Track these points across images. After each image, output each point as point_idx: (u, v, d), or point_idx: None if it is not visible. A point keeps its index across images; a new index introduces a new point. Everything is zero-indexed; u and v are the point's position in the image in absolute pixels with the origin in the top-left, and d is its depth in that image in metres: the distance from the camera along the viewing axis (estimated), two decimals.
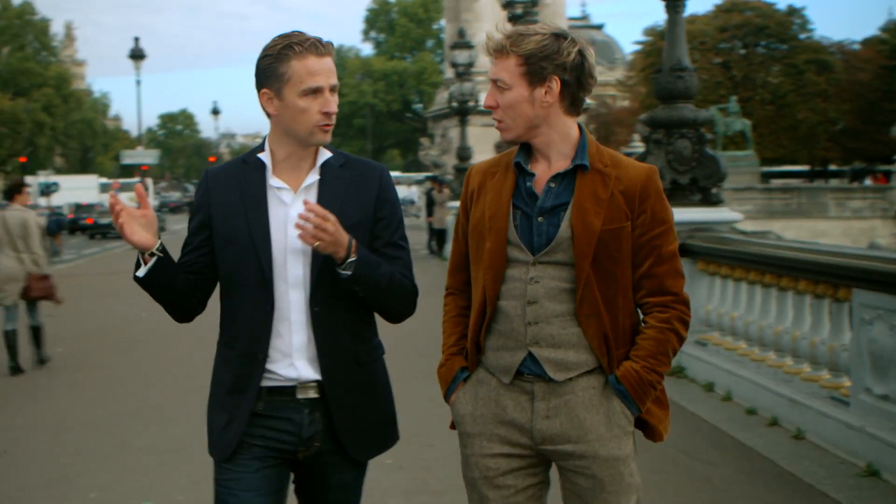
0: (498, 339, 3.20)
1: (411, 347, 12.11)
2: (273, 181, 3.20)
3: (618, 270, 3.11)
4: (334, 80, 3.16)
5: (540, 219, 3.13)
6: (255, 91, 3.21)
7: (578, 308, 3.09)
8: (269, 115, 3.21)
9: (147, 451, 7.67)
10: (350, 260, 3.09)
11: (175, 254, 3.28)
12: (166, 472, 7.05)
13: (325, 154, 3.26)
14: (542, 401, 3.14)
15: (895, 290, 6.47)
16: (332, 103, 3.16)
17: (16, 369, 11.31)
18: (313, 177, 3.23)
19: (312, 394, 3.22)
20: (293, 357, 3.20)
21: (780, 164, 72.45)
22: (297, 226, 3.02)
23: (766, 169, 63.05)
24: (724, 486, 6.44)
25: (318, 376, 3.21)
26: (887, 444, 6.43)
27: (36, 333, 11.76)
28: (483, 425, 3.22)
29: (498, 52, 3.13)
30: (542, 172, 3.19)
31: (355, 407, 3.28)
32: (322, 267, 3.14)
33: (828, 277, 7.38)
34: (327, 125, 3.17)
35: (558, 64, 3.07)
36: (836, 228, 46.60)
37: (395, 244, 3.30)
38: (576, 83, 3.12)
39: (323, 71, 3.12)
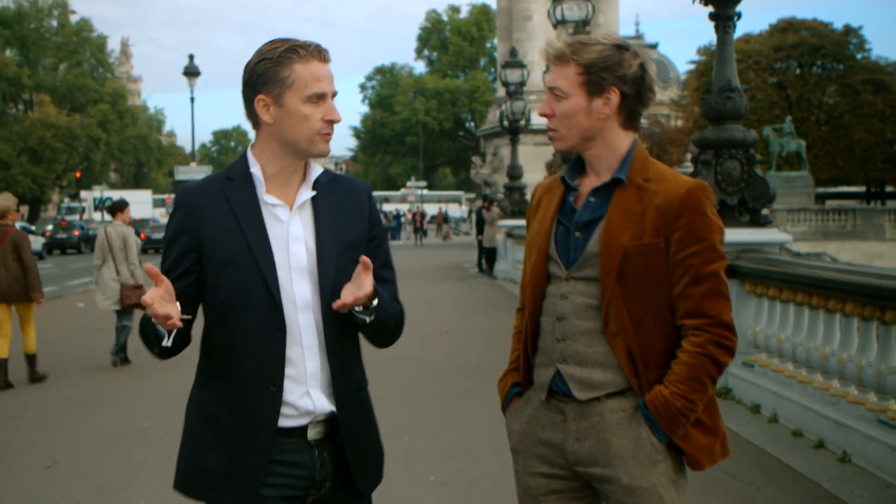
0: (539, 357, 3.19)
1: (461, 366, 12.22)
2: (267, 198, 2.98)
3: (647, 289, 3.01)
4: (335, 88, 3.00)
5: (577, 234, 3.10)
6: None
7: (604, 326, 3.02)
8: (258, 124, 2.99)
9: None
10: (373, 305, 2.96)
11: None
12: None
13: (317, 169, 3.07)
14: (574, 422, 3.10)
15: None
16: (337, 111, 2.99)
17: (124, 359, 12.84)
18: (308, 192, 3.03)
19: (321, 434, 3.03)
20: (308, 385, 2.98)
21: (835, 185, 71.89)
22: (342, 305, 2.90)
23: (821, 190, 62.56)
24: None
25: (332, 407, 3.02)
26: None
27: (123, 334, 12.93)
28: (526, 443, 3.21)
29: (558, 59, 3.08)
30: (588, 187, 3.15)
31: (361, 436, 3.11)
32: (332, 287, 2.97)
33: (875, 300, 7.31)
34: (329, 134, 2.99)
35: (619, 76, 3.03)
36: (892, 250, 46.12)
37: (388, 265, 3.18)
38: (635, 96, 3.07)
39: (327, 77, 2.95)
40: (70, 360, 13.39)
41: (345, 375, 3.04)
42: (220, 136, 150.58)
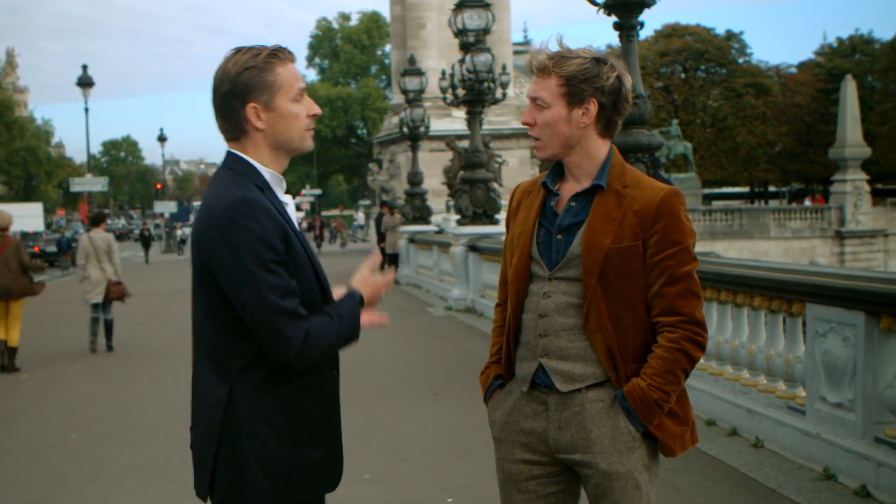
0: (521, 351, 3.38)
1: (378, 369, 12.39)
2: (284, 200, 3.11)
3: (626, 288, 3.21)
4: None
5: (559, 236, 3.28)
6: (206, 115, 3.13)
7: (585, 323, 3.22)
8: (244, 133, 3.03)
9: (127, 471, 7.82)
10: None
11: None
12: (149, 491, 7.21)
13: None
14: (556, 412, 3.29)
15: (847, 304, 6.84)
16: (316, 104, 3.13)
17: (93, 350, 15.21)
18: (287, 196, 3.15)
19: None
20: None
21: (721, 185, 73.73)
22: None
23: (707, 191, 64.05)
24: (690, 492, 6.75)
25: None
26: (842, 449, 6.80)
27: (109, 326, 15.35)
28: (508, 432, 3.41)
29: (540, 71, 3.25)
30: (568, 191, 3.34)
31: None
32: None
33: (782, 293, 7.75)
34: (312, 129, 3.12)
35: (597, 87, 3.20)
36: (776, 248, 47.44)
37: None
38: (612, 107, 3.24)
39: (300, 75, 3.11)
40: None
41: None
42: (110, 147, 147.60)
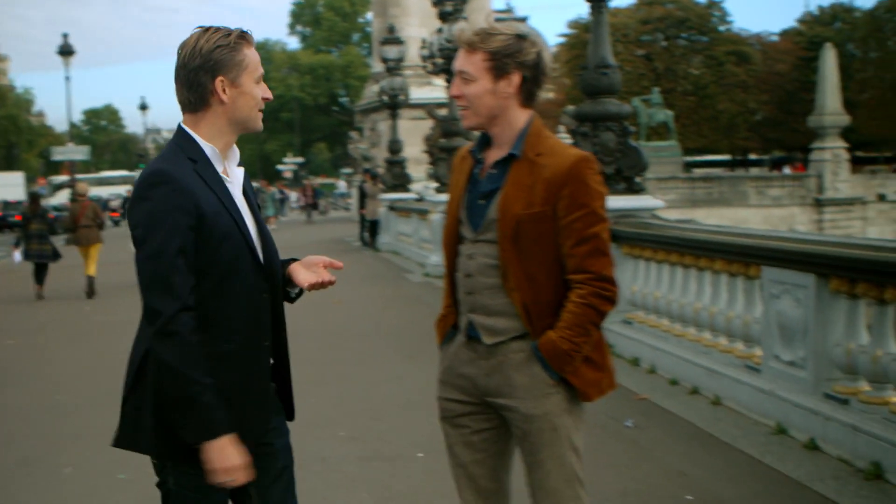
0: (459, 306, 3.72)
1: (355, 334, 12.71)
2: (223, 176, 3.26)
3: (538, 250, 3.48)
4: None
5: (480, 201, 3.57)
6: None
7: (503, 282, 3.52)
8: (206, 105, 3.22)
9: (110, 432, 8.03)
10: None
11: None
12: (130, 452, 7.44)
13: (236, 148, 3.38)
14: (484, 360, 3.61)
15: (800, 266, 7.16)
16: (269, 91, 3.35)
17: None
18: (240, 169, 3.36)
19: None
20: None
21: (702, 153, 73.87)
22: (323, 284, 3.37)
23: (688, 159, 64.17)
24: (649, 445, 7.08)
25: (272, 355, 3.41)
26: (793, 405, 7.14)
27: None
28: (448, 375, 3.76)
29: (468, 46, 3.52)
30: (491, 159, 3.62)
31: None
32: (274, 253, 3.38)
33: (740, 257, 8.07)
34: (262, 111, 3.33)
35: (519, 62, 3.47)
36: (756, 216, 47.57)
37: None
38: (533, 79, 3.52)
39: (260, 60, 3.32)
40: None
41: (282, 328, 3.45)
42: (91, 115, 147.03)
